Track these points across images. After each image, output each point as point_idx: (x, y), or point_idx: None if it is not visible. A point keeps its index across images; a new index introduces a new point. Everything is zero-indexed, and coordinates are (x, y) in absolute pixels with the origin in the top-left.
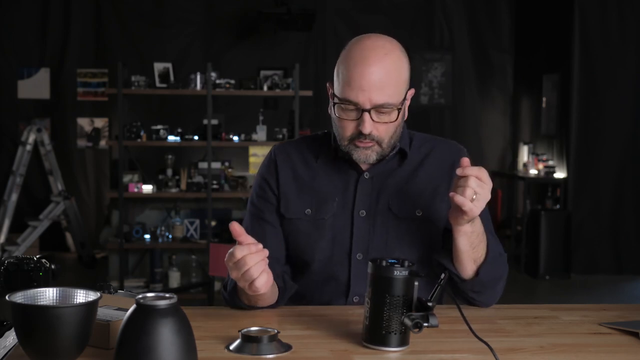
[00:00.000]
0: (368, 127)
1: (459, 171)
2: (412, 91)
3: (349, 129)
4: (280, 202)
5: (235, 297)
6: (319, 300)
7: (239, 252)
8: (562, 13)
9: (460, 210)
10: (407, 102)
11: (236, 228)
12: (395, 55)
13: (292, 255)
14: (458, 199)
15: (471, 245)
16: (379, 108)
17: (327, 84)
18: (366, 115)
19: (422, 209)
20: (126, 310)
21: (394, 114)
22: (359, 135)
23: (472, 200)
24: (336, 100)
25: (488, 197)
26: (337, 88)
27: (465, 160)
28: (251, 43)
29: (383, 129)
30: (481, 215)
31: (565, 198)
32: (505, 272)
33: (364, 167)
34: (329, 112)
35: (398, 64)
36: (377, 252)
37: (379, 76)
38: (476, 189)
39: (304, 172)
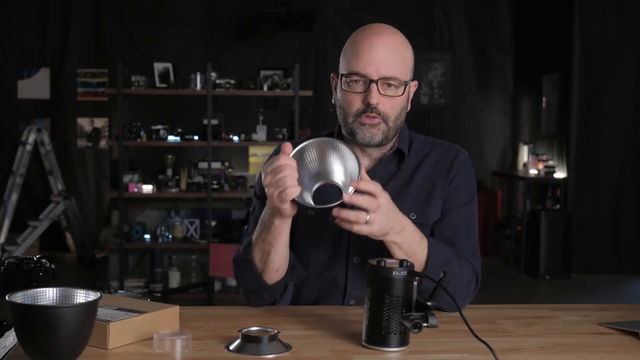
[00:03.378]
0: (375, 96)
1: (346, 198)
2: (415, 83)
3: (356, 103)
4: None
5: (249, 254)
6: (314, 301)
7: (283, 159)
8: (562, 13)
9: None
10: (411, 94)
11: (287, 147)
12: (401, 37)
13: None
14: (353, 228)
15: (406, 255)
16: (386, 80)
17: (332, 75)
18: (373, 85)
19: (415, 212)
20: (126, 310)
21: (401, 90)
22: (365, 109)
23: (366, 222)
24: (343, 75)
25: (382, 205)
26: (344, 66)
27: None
28: (251, 43)
29: (389, 105)
30: (463, 220)
31: (565, 198)
32: (459, 278)
33: (364, 166)
34: (333, 102)
35: (404, 46)
36: (372, 256)
37: (387, 49)
38: (365, 205)
39: None
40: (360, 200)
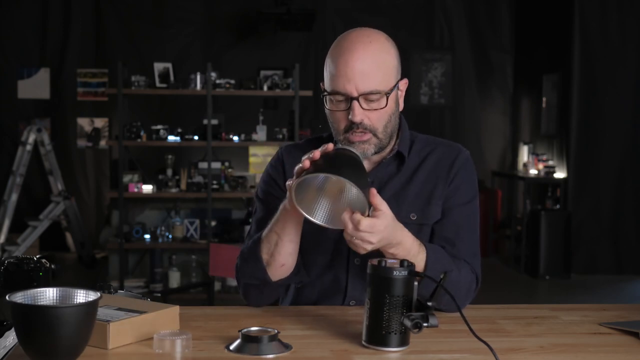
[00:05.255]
0: (358, 114)
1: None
2: (405, 81)
3: (342, 121)
4: None
5: (258, 246)
6: (315, 301)
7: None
8: (562, 13)
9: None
10: (402, 93)
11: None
12: (379, 43)
13: None
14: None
15: None
16: (367, 95)
17: (321, 84)
18: (355, 103)
19: (415, 212)
20: (126, 310)
21: (384, 101)
22: (352, 126)
23: (349, 240)
24: (325, 93)
25: (372, 240)
26: (326, 82)
27: (372, 199)
28: (251, 43)
29: (375, 117)
30: (464, 220)
31: (565, 198)
32: (456, 283)
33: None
34: (326, 112)
35: (384, 51)
36: (373, 257)
37: (364, 64)
38: (353, 234)
39: None
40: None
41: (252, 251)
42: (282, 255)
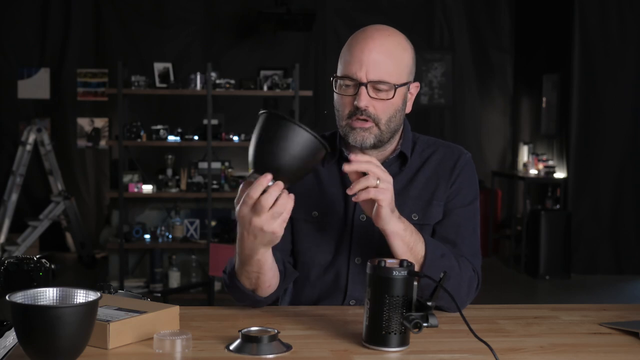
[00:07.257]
0: (363, 99)
1: (345, 167)
2: (417, 84)
3: (347, 106)
4: None
5: (235, 279)
6: (315, 301)
7: (260, 191)
8: (562, 13)
9: (373, 204)
10: (412, 96)
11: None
12: (398, 39)
13: (293, 254)
14: (362, 195)
15: (408, 247)
16: (376, 84)
17: (332, 79)
18: (362, 88)
19: (417, 213)
20: (126, 310)
21: (391, 93)
22: (356, 112)
23: (376, 186)
24: (336, 77)
25: (389, 178)
26: (339, 68)
27: (351, 156)
28: (251, 43)
29: (380, 107)
30: (465, 221)
31: (565, 198)
32: (458, 274)
33: None
34: (334, 99)
35: (400, 47)
36: (373, 256)
37: (379, 53)
38: (375, 172)
39: (311, 174)
40: (364, 166)
41: (233, 285)
42: (267, 281)
